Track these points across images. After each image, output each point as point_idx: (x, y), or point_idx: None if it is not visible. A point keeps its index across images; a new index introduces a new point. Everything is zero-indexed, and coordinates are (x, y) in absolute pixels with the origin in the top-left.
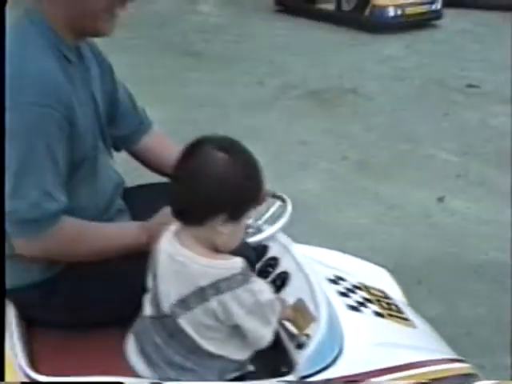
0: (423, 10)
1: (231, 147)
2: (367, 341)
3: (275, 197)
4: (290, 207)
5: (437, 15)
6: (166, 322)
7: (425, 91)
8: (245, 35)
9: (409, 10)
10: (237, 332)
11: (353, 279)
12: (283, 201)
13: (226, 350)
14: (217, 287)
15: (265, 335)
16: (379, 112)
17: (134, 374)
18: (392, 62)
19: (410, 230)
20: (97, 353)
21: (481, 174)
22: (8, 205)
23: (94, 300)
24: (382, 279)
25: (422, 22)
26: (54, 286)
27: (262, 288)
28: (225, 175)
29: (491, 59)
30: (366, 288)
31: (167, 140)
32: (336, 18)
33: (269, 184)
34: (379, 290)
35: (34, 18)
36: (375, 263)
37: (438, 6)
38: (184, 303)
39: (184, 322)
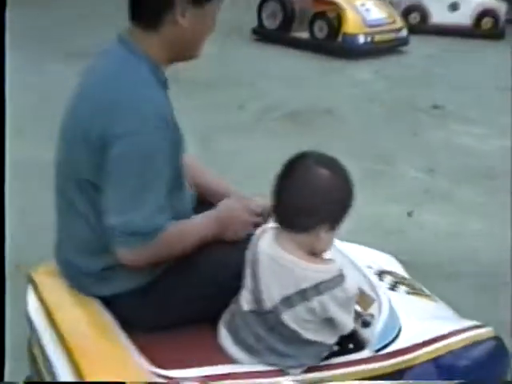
0: (391, 37)
1: (331, 163)
2: (414, 316)
3: None
4: None
5: (404, 42)
6: (267, 317)
7: (394, 112)
8: (225, 62)
9: (378, 38)
10: (329, 322)
11: (375, 265)
12: None
13: (320, 337)
14: (317, 289)
15: (350, 323)
16: (352, 132)
17: (233, 362)
18: (363, 85)
19: (382, 243)
20: (196, 347)
21: (446, 190)
22: (117, 217)
23: (188, 299)
24: (393, 264)
25: (390, 48)
26: (153, 289)
27: (350, 284)
28: (331, 189)
29: (454, 82)
30: (389, 272)
31: (196, 159)
32: (310, 46)
33: None
34: (398, 274)
35: (131, 47)
36: None
37: (404, 33)
38: (287, 302)
39: (287, 318)
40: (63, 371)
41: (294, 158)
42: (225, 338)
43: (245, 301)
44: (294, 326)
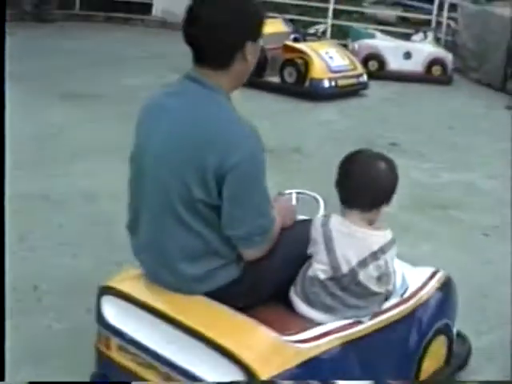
0: (353, 82)
1: (384, 157)
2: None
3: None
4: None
5: (364, 86)
6: (343, 280)
7: (356, 149)
8: None
9: (341, 82)
10: (386, 275)
11: None
12: (316, 201)
13: (383, 288)
14: (382, 250)
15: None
16: (318, 167)
17: (315, 324)
18: (328, 124)
19: None
20: (285, 317)
21: (403, 219)
22: (251, 226)
23: (269, 281)
24: None
25: (352, 92)
26: (244, 278)
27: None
28: (389, 177)
29: (408, 122)
30: None
31: None
32: (281, 89)
33: None
34: None
35: (209, 85)
36: None
37: (364, 78)
38: (362, 263)
39: (361, 276)
40: (199, 359)
41: (352, 155)
42: (301, 305)
43: (320, 271)
44: (365, 282)
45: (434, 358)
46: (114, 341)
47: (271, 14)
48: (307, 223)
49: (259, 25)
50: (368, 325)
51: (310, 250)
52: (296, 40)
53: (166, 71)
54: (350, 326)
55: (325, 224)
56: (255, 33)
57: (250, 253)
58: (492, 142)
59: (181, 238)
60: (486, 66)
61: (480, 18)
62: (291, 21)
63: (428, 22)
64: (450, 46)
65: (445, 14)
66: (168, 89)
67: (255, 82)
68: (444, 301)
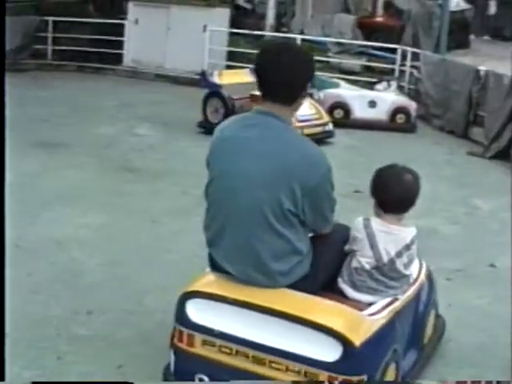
0: (319, 131)
1: (411, 171)
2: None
3: None
4: None
5: (330, 134)
6: (384, 268)
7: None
8: (173, 153)
9: (307, 131)
10: (411, 261)
11: None
12: None
13: (411, 271)
14: (412, 241)
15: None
16: None
17: (363, 304)
18: None
19: None
20: (340, 301)
21: None
22: (328, 223)
23: (324, 273)
24: None
25: (317, 140)
26: (311, 272)
27: None
28: (415, 187)
29: (372, 169)
30: None
31: None
32: None
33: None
34: None
35: (281, 119)
36: None
37: (330, 127)
38: (399, 254)
39: (398, 264)
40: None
41: (386, 169)
42: (349, 291)
43: (365, 263)
44: (400, 268)
45: (429, 327)
46: (199, 337)
47: (239, 64)
48: (342, 227)
49: (313, 70)
50: (402, 300)
51: (349, 247)
52: None
53: (136, 120)
54: (393, 301)
55: (367, 226)
56: (311, 76)
57: (326, 229)
58: (454, 188)
59: (271, 241)
60: (449, 114)
61: (442, 66)
62: None
63: (391, 71)
64: (413, 95)
65: (408, 63)
66: (241, 122)
67: None
68: (431, 284)
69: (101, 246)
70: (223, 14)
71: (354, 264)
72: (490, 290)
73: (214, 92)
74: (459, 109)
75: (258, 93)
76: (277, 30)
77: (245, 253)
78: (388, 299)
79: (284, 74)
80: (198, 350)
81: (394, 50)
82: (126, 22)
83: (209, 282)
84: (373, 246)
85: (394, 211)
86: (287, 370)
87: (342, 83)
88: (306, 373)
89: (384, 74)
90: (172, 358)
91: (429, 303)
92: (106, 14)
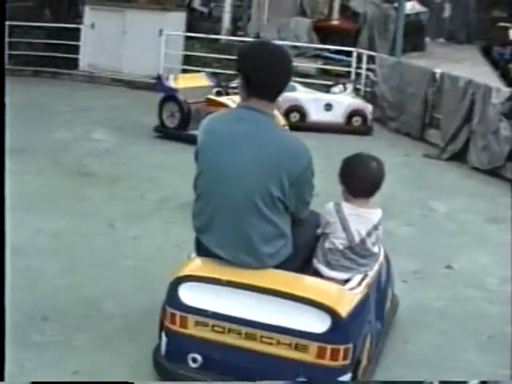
0: None
1: (375, 159)
2: None
3: None
4: None
5: None
6: (356, 248)
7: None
8: (130, 157)
9: None
10: (377, 240)
11: None
12: None
13: (378, 249)
14: (379, 222)
15: None
16: None
17: (337, 281)
18: None
19: None
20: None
21: None
22: (306, 209)
23: (302, 254)
24: None
25: None
26: (293, 253)
27: None
28: (381, 173)
29: (329, 172)
30: None
31: None
32: None
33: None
34: None
35: (265, 113)
36: None
37: (286, 130)
38: (369, 233)
39: (368, 243)
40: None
41: (352, 158)
42: (324, 270)
43: (339, 244)
44: (370, 246)
45: (388, 302)
46: (192, 319)
47: (195, 68)
48: (312, 212)
49: (291, 68)
50: (372, 276)
51: (322, 230)
52: (219, 94)
53: (92, 125)
54: (365, 277)
55: (339, 210)
56: (291, 74)
57: (304, 214)
58: (410, 190)
59: (260, 226)
60: (405, 116)
61: (397, 69)
62: (214, 74)
63: (347, 74)
64: (370, 97)
65: (363, 65)
66: (228, 117)
67: (179, 135)
68: (388, 263)
69: (58, 251)
70: (179, 17)
71: (328, 245)
72: (446, 292)
73: (170, 96)
74: (415, 111)
75: (213, 97)
76: (233, 34)
77: (236, 238)
78: (360, 276)
79: (270, 74)
80: (191, 330)
81: (349, 53)
82: (82, 27)
83: (199, 266)
84: (345, 228)
85: (362, 196)
86: (278, 343)
87: (298, 86)
88: (296, 345)
89: (340, 77)
90: (164, 340)
91: (388, 280)
92: (62, 19)
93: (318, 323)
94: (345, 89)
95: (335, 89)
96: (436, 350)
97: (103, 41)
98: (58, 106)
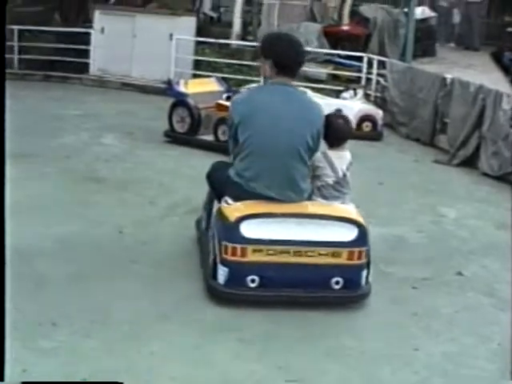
0: None
1: (342, 116)
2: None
3: None
4: None
5: None
6: (341, 180)
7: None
8: (139, 162)
9: None
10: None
11: None
12: None
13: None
14: (351, 159)
15: None
16: None
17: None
18: None
19: None
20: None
21: None
22: None
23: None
24: None
25: None
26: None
27: None
28: (349, 127)
29: None
30: None
31: None
32: (214, 147)
33: None
34: None
35: (291, 86)
36: None
37: None
38: (347, 168)
39: (347, 176)
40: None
41: (328, 117)
42: (322, 201)
43: (330, 180)
44: (349, 178)
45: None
46: (250, 248)
47: (205, 73)
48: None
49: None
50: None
51: (313, 174)
52: (229, 98)
53: (102, 130)
54: (347, 203)
55: (326, 156)
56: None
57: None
58: (420, 196)
59: (300, 169)
60: (415, 122)
61: (408, 74)
62: (224, 79)
63: (358, 79)
64: (380, 103)
65: (374, 71)
66: (263, 91)
67: (189, 140)
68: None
69: (66, 256)
70: (189, 22)
71: (320, 183)
72: (457, 299)
73: (180, 101)
74: (425, 117)
75: (224, 102)
76: (243, 39)
77: (284, 180)
78: (346, 204)
79: (292, 57)
80: (250, 258)
81: (360, 59)
82: (92, 31)
83: (252, 207)
84: (332, 167)
85: (338, 145)
86: (319, 254)
87: (309, 92)
88: (333, 253)
89: (350, 82)
90: (225, 271)
91: None
92: (72, 23)
93: (348, 234)
94: (355, 94)
95: (345, 94)
96: (447, 357)
97: (113, 45)
98: (67, 110)
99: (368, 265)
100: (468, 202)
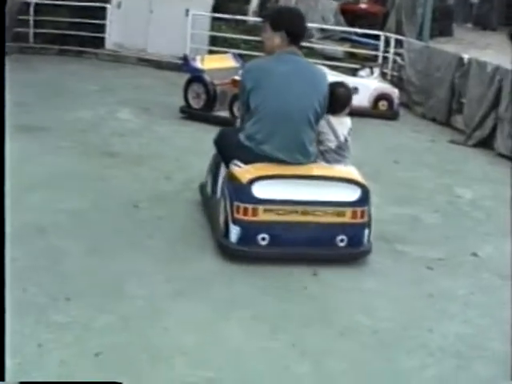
0: None
1: (343, 85)
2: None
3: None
4: None
5: None
6: (342, 144)
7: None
8: (155, 138)
9: None
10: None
11: None
12: None
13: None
14: (351, 125)
15: None
16: None
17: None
18: None
19: None
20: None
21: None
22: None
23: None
24: None
25: None
26: None
27: None
28: (349, 94)
29: (354, 156)
30: None
31: None
32: (230, 123)
33: None
34: None
35: (299, 55)
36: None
37: None
38: (348, 133)
39: (348, 141)
40: None
41: (333, 85)
42: (326, 165)
43: (332, 145)
44: (349, 143)
45: None
46: (261, 208)
47: (221, 49)
48: None
49: None
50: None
51: (318, 138)
52: None
53: (118, 104)
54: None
55: (328, 122)
56: None
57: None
58: (436, 176)
59: (308, 132)
60: (431, 101)
61: (424, 54)
62: (240, 56)
63: (375, 58)
64: (396, 82)
65: (391, 49)
66: (276, 60)
67: (205, 116)
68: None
69: (81, 231)
70: None
71: (323, 148)
72: (472, 280)
73: (196, 77)
74: (442, 96)
75: (239, 78)
76: (260, 15)
77: (293, 143)
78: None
79: (301, 27)
80: (260, 217)
81: (377, 37)
82: (108, 6)
83: (262, 169)
84: (335, 133)
85: (340, 111)
86: (325, 213)
87: (325, 69)
88: (338, 212)
89: (367, 61)
90: (237, 229)
91: None
92: None
93: (352, 194)
94: (372, 72)
95: (362, 72)
96: (461, 339)
97: (129, 20)
98: (83, 85)
99: (369, 224)
100: (484, 183)
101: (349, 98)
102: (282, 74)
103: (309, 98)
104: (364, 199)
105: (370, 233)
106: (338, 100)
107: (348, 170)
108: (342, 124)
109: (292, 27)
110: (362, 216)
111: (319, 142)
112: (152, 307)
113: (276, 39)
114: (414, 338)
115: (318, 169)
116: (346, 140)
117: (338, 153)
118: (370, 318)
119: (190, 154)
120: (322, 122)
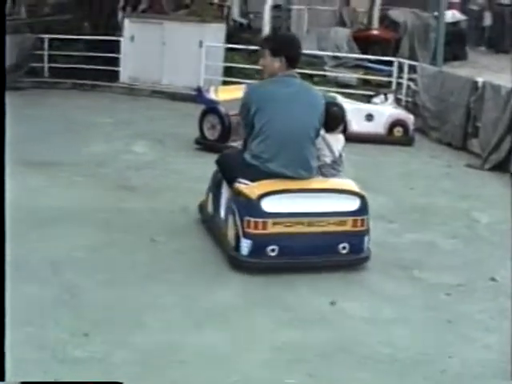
0: None
1: (336, 104)
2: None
3: None
4: None
5: None
6: (337, 160)
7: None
8: (170, 170)
9: None
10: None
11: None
12: None
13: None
14: (345, 144)
15: None
16: None
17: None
18: None
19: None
20: None
21: (366, 279)
22: None
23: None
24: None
25: None
26: None
27: None
28: (342, 114)
29: (370, 183)
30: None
31: None
32: None
33: None
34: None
35: (297, 77)
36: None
37: None
38: (342, 150)
39: (343, 156)
40: None
41: (328, 104)
42: (320, 178)
43: (327, 160)
44: (343, 156)
45: None
46: (270, 221)
47: (235, 80)
48: None
49: None
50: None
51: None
52: None
53: (133, 137)
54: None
55: (324, 139)
56: None
57: None
58: (452, 201)
59: (310, 149)
60: (447, 126)
61: (438, 78)
62: None
63: (388, 84)
64: (411, 107)
65: (405, 75)
66: (274, 82)
67: (220, 147)
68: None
69: (98, 265)
70: (218, 29)
71: (320, 163)
72: (491, 304)
73: (211, 108)
74: (457, 121)
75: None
76: (258, 44)
77: (298, 159)
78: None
79: (299, 51)
80: (270, 230)
81: (390, 63)
82: (121, 39)
83: (269, 185)
84: (329, 148)
85: (334, 129)
86: (329, 223)
87: (339, 97)
88: (339, 222)
89: (381, 87)
90: (248, 243)
91: None
92: (101, 31)
93: (352, 204)
94: (386, 99)
95: (376, 99)
96: (482, 364)
97: (143, 53)
98: (97, 118)
99: (368, 232)
100: (501, 207)
101: (342, 117)
102: (284, 96)
103: (309, 117)
104: (363, 208)
105: (369, 240)
106: (332, 118)
107: (347, 183)
108: (337, 140)
109: (291, 52)
110: (362, 224)
111: (316, 158)
112: (169, 340)
113: (276, 64)
114: (432, 363)
115: (320, 182)
116: (340, 155)
117: (334, 167)
118: (389, 347)
119: (206, 184)
120: (318, 139)
